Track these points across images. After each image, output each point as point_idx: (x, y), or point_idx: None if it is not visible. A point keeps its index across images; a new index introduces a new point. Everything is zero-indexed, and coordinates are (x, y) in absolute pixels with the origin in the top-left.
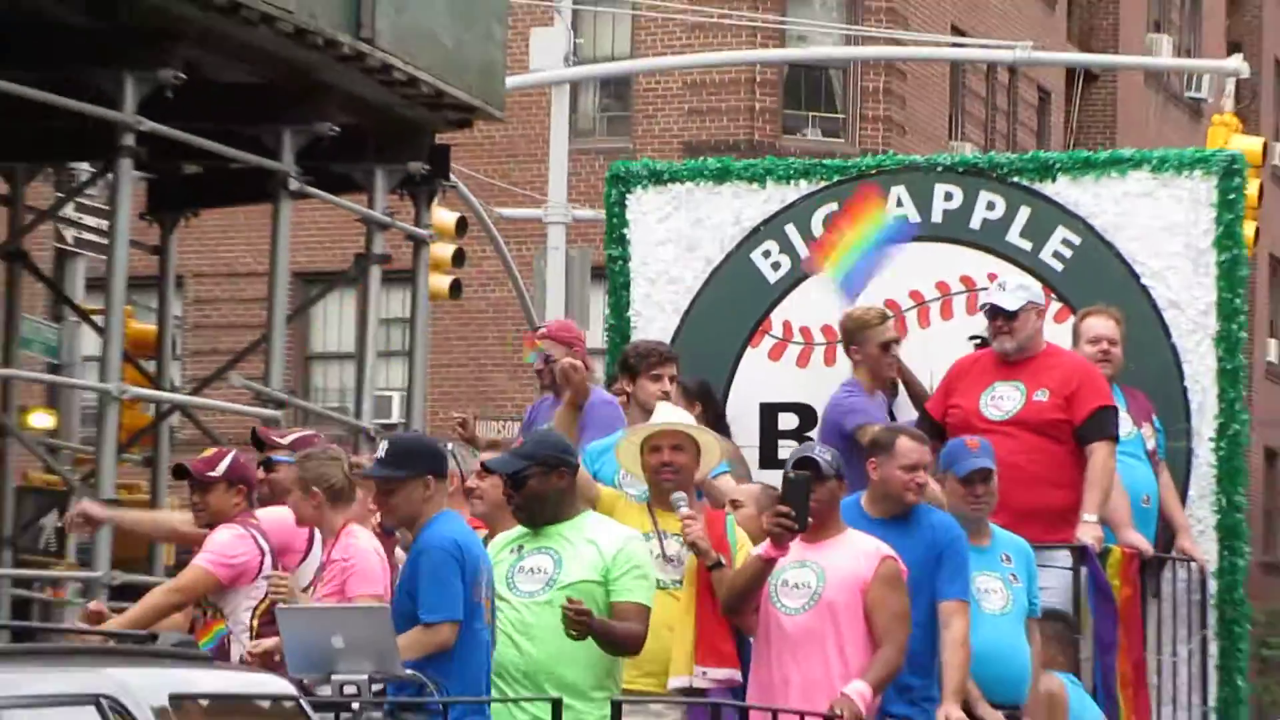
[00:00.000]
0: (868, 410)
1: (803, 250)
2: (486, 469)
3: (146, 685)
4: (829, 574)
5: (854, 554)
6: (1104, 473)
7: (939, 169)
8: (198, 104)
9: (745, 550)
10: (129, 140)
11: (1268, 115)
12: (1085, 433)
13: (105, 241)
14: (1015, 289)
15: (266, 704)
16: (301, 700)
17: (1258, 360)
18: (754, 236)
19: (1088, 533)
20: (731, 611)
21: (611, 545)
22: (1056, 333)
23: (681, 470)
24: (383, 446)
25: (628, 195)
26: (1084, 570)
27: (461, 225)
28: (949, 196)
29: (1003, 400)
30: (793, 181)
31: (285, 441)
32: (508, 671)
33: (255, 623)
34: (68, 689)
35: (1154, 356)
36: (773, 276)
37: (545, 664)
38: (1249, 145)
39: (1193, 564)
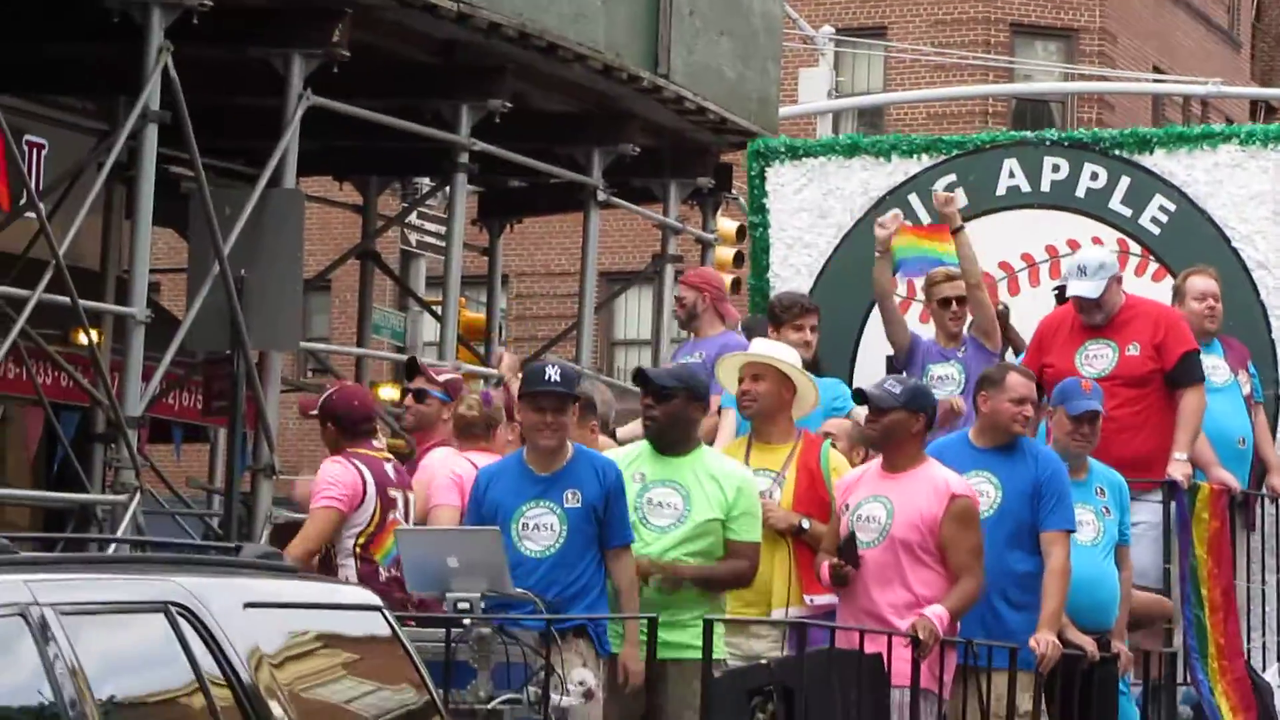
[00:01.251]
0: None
1: (925, 218)
2: (643, 376)
3: (220, 593)
4: (898, 510)
5: (926, 490)
6: (1194, 415)
7: (1047, 143)
8: (521, 128)
9: (838, 473)
10: (463, 159)
11: None
12: (1176, 378)
13: (443, 244)
14: (1095, 273)
15: (348, 614)
16: (384, 611)
17: None
18: (880, 205)
19: (1178, 470)
20: None
21: (731, 485)
22: (1155, 291)
23: (759, 399)
24: (554, 371)
25: (767, 169)
26: (1173, 505)
27: (740, 232)
28: (1056, 168)
29: (1097, 359)
30: (915, 155)
31: (440, 379)
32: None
33: (358, 548)
34: (137, 596)
35: (1245, 312)
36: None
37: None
38: None
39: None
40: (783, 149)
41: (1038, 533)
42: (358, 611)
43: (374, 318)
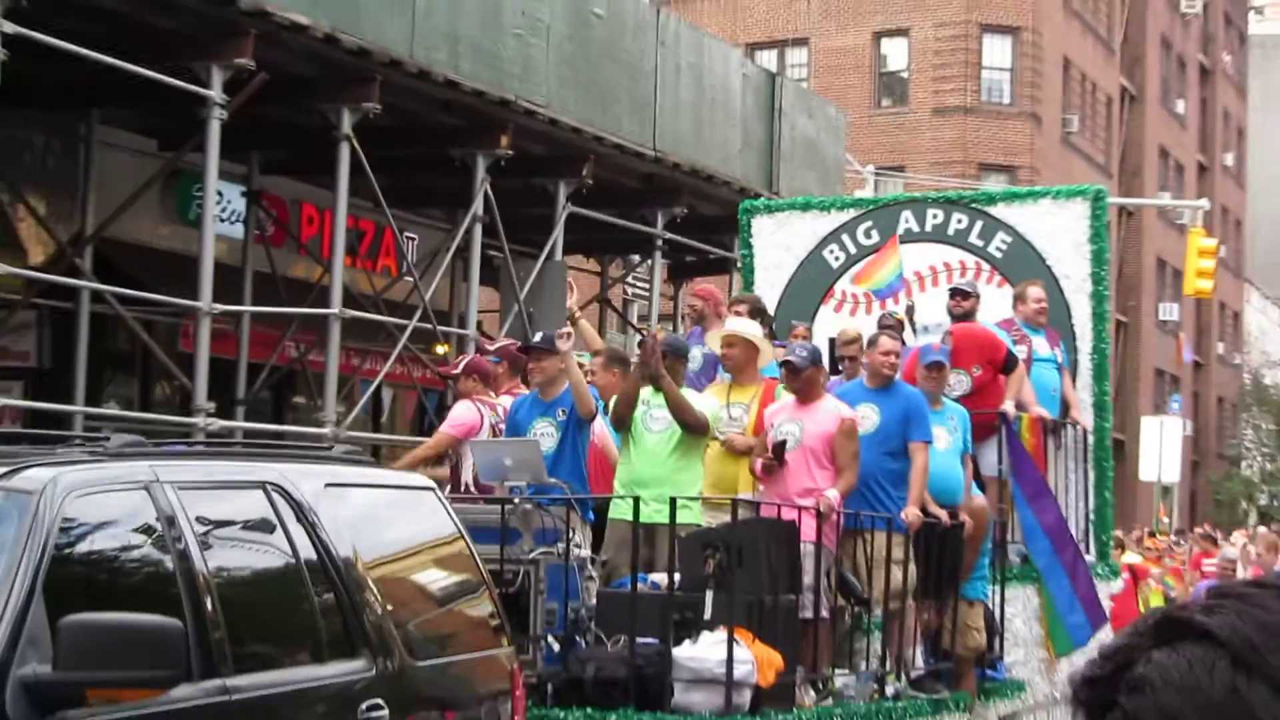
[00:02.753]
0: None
1: (852, 249)
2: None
3: (307, 475)
4: (806, 428)
5: (825, 414)
6: (1018, 381)
7: (929, 200)
8: (692, 226)
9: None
10: (659, 244)
11: None
12: (1005, 369)
13: (647, 294)
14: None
15: (408, 492)
16: (436, 492)
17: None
18: (824, 241)
19: (1008, 407)
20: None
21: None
22: (1000, 295)
23: (733, 359)
24: (536, 337)
25: (752, 220)
26: (1004, 430)
27: None
28: (935, 216)
29: (958, 385)
30: (845, 209)
31: (491, 348)
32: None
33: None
34: (243, 477)
35: (1057, 307)
36: (835, 264)
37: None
38: None
39: (1078, 426)
40: (761, 207)
41: (906, 443)
42: (416, 491)
43: (606, 338)
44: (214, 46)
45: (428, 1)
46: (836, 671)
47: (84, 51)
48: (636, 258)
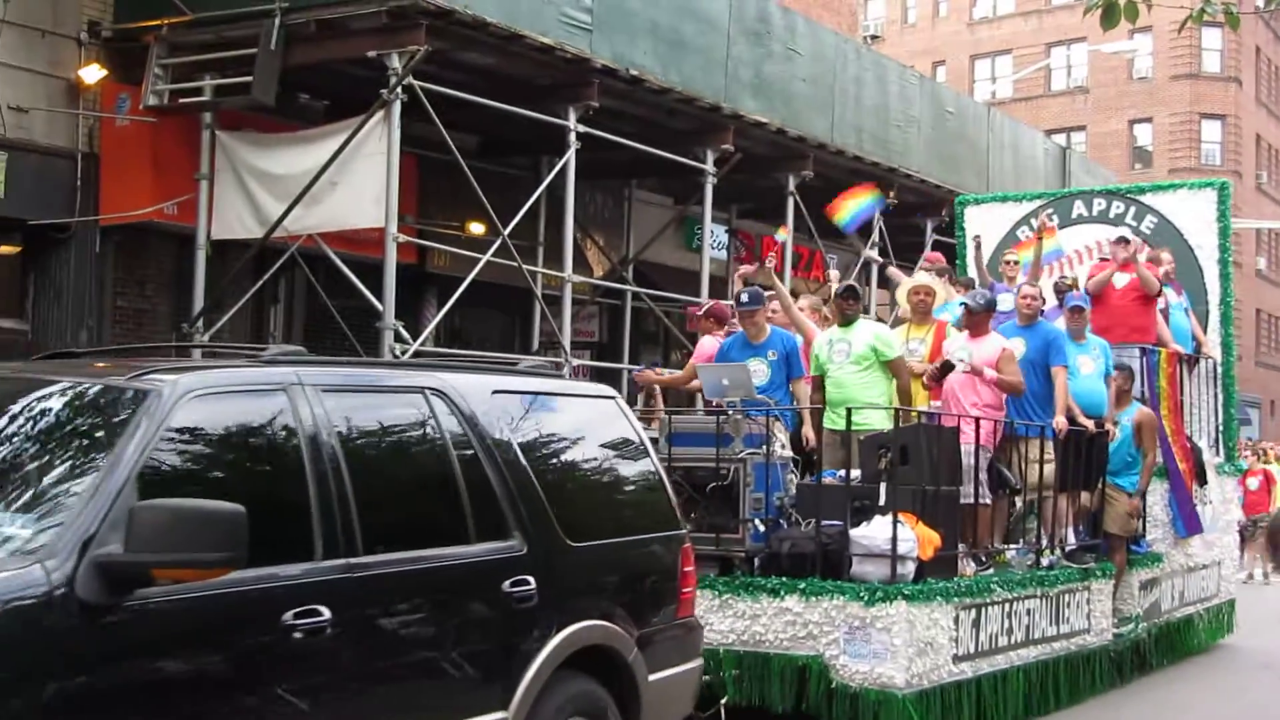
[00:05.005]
0: None
1: (1021, 235)
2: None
3: (472, 384)
4: (976, 354)
5: (991, 345)
6: (1163, 326)
7: (1095, 192)
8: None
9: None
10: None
11: None
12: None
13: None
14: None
15: (589, 400)
16: (618, 400)
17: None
18: (1017, 224)
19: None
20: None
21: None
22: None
23: (925, 305)
24: (745, 295)
25: (964, 210)
26: (1144, 361)
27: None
28: (1099, 204)
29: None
30: (1033, 201)
31: (699, 311)
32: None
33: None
34: (401, 382)
35: (1192, 270)
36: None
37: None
38: None
39: (1211, 360)
40: (971, 200)
41: (1049, 368)
42: (594, 399)
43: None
44: (708, 138)
45: (841, 105)
46: (1006, 546)
47: (628, 142)
48: None
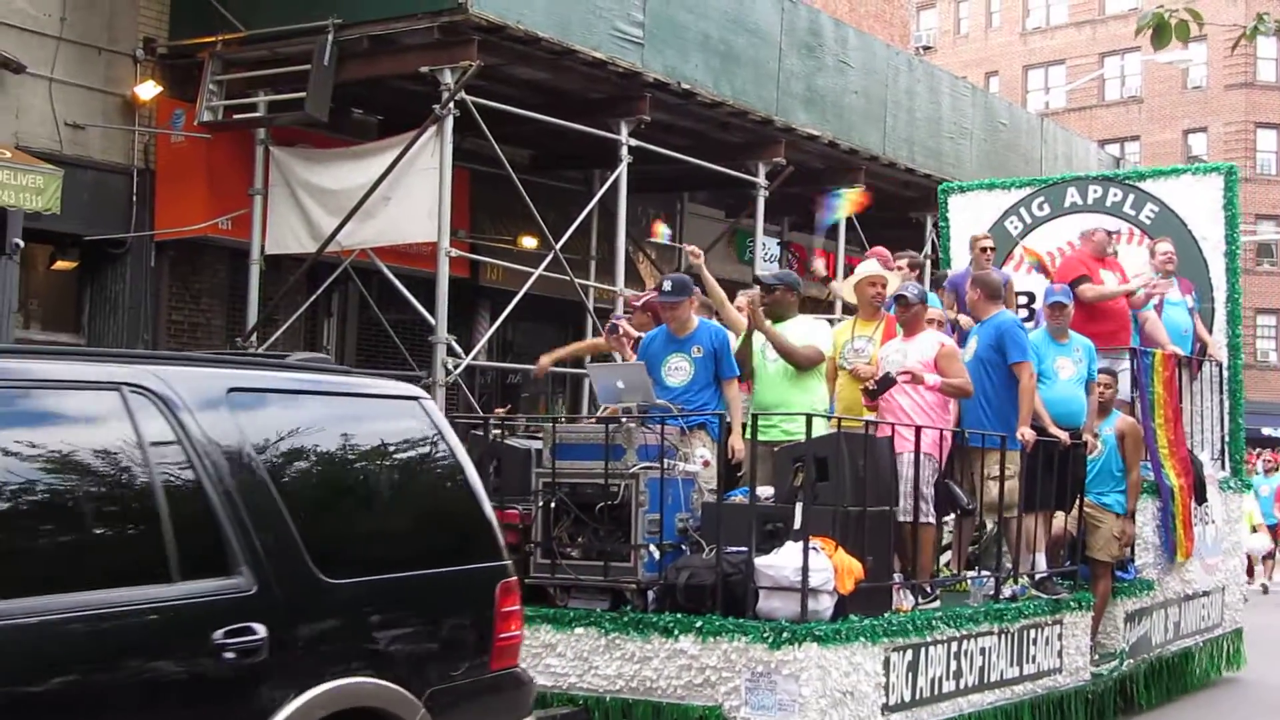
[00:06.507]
0: None
1: (1028, 220)
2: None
3: (194, 379)
4: (910, 353)
5: (928, 343)
6: (1155, 325)
7: (1090, 178)
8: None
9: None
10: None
11: None
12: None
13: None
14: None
15: (387, 402)
16: (423, 401)
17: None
18: (1005, 214)
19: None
20: None
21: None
22: (1142, 252)
23: (881, 298)
24: (667, 284)
25: (948, 198)
26: (1134, 364)
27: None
28: (1095, 191)
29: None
30: (1022, 188)
31: (638, 302)
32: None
33: None
34: (91, 377)
35: (1196, 263)
36: (1014, 232)
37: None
38: None
39: (1216, 362)
40: (955, 188)
41: (1006, 365)
42: (388, 400)
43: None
44: (760, 151)
45: (894, 118)
46: (959, 575)
47: (680, 156)
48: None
